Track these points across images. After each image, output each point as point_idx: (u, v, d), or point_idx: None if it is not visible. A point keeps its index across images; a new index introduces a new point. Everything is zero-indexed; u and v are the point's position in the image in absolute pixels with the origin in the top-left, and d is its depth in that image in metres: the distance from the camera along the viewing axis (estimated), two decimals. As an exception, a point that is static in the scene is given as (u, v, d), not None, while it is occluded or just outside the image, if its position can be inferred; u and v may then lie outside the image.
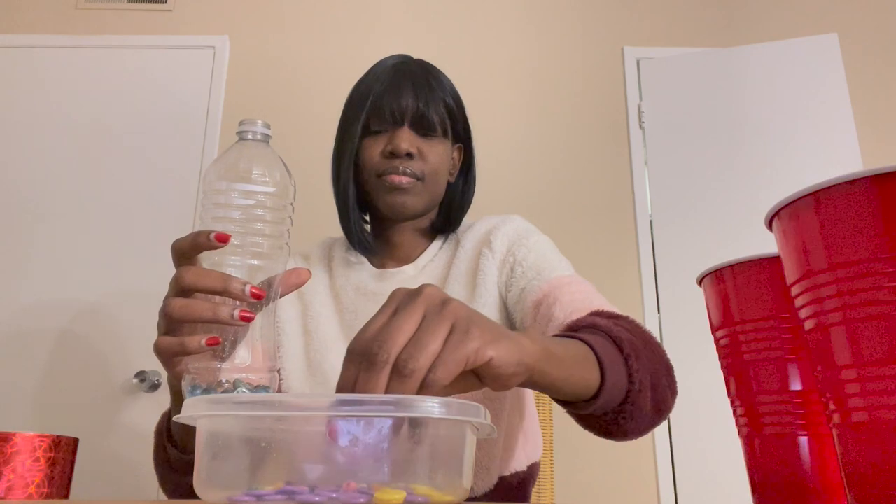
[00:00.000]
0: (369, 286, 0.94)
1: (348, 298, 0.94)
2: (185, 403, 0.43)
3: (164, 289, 0.57)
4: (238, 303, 0.53)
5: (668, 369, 0.70)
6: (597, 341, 0.60)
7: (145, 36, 2.53)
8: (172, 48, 2.51)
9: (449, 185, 0.98)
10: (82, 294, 2.24)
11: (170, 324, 0.55)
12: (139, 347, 2.18)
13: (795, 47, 2.43)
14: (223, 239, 0.52)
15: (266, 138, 0.56)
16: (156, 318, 0.58)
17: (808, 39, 2.44)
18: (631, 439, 0.68)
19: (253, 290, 0.52)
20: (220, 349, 0.54)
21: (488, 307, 0.89)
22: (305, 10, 2.59)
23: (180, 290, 0.53)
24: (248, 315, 0.52)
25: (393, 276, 0.94)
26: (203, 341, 0.52)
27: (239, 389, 0.53)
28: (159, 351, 0.55)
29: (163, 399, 2.14)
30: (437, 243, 0.98)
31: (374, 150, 0.90)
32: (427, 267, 0.95)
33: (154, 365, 2.17)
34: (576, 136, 2.47)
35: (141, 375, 2.13)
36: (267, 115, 2.39)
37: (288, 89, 2.48)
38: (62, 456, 0.73)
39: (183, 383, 0.55)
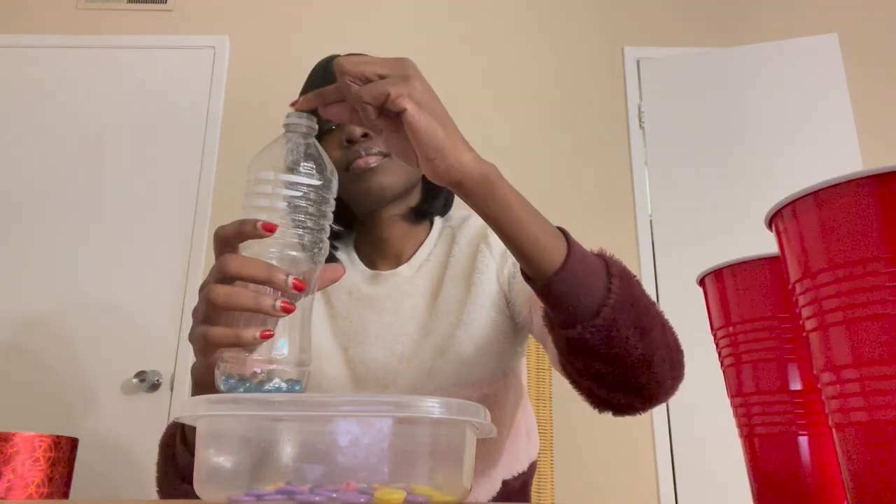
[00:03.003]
0: (363, 290, 0.90)
1: (341, 303, 0.90)
2: (184, 403, 0.43)
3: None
4: (279, 294, 0.53)
5: (674, 346, 0.67)
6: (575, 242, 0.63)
7: (145, 36, 2.53)
8: (172, 48, 2.51)
9: None
10: (82, 293, 2.24)
11: (211, 310, 0.53)
12: (139, 347, 2.18)
13: (795, 47, 2.43)
14: (270, 229, 0.52)
15: (311, 132, 0.57)
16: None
17: (808, 39, 2.43)
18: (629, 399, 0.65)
19: (295, 282, 0.52)
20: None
21: (484, 307, 0.86)
22: (305, 10, 2.59)
23: (223, 277, 0.53)
24: (289, 306, 0.52)
25: (387, 279, 0.90)
26: (258, 334, 0.51)
27: (273, 382, 0.52)
28: (209, 339, 0.53)
29: (163, 399, 2.14)
30: (431, 238, 0.94)
31: (332, 145, 0.87)
32: (423, 267, 0.91)
33: (154, 365, 2.16)
34: (576, 136, 2.46)
35: (141, 375, 2.13)
36: (267, 115, 2.39)
37: (288, 89, 2.47)
38: (62, 456, 0.73)
39: (217, 371, 0.53)
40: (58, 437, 0.73)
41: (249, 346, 0.52)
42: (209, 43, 2.51)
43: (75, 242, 2.29)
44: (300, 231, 0.54)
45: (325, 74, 0.88)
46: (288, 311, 0.52)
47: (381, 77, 0.55)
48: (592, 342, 0.61)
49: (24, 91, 2.44)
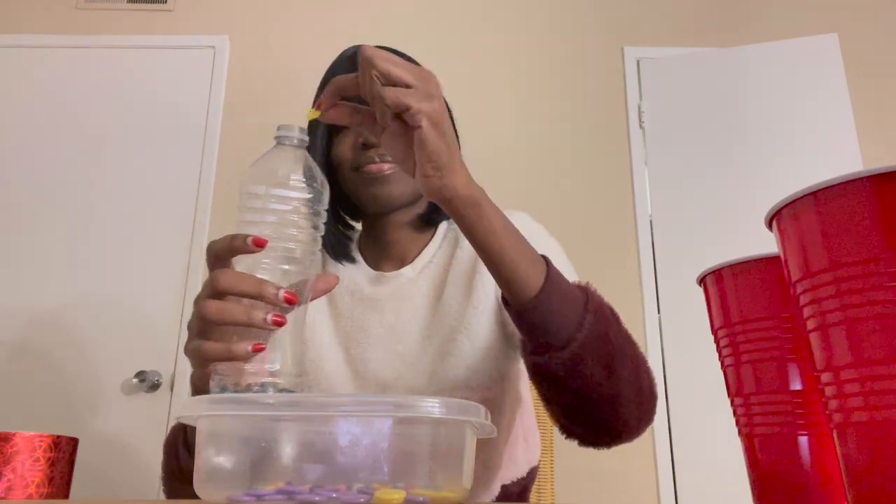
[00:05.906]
0: (365, 291, 0.90)
1: (344, 304, 0.90)
2: (184, 403, 0.43)
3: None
4: (270, 307, 0.53)
5: (646, 389, 0.70)
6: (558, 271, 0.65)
7: (145, 36, 2.53)
8: (172, 48, 2.51)
9: None
10: (83, 293, 2.24)
11: (204, 325, 0.55)
12: (139, 347, 2.18)
13: (795, 47, 2.43)
14: (260, 244, 0.53)
15: (303, 144, 0.57)
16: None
17: (808, 39, 2.43)
18: (594, 432, 0.71)
19: (286, 295, 0.53)
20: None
21: (485, 313, 0.85)
22: (305, 10, 2.59)
23: (215, 292, 0.54)
24: (280, 319, 0.52)
25: (390, 280, 0.90)
26: (249, 348, 0.52)
27: (268, 393, 0.52)
28: (202, 354, 0.54)
29: (163, 399, 2.14)
30: (435, 241, 0.93)
31: (346, 144, 0.86)
32: (426, 269, 0.91)
33: (154, 365, 2.16)
34: (576, 136, 2.46)
35: (141, 375, 2.13)
36: (267, 116, 2.39)
37: (288, 89, 2.48)
38: (62, 456, 0.73)
39: (211, 383, 0.54)
40: (58, 437, 0.73)
41: (242, 359, 0.53)
42: (209, 43, 2.51)
43: (75, 242, 2.29)
44: (291, 245, 0.55)
45: (352, 65, 0.87)
46: (279, 324, 0.52)
47: (406, 85, 0.55)
48: (557, 373, 0.64)
49: (24, 91, 2.45)
